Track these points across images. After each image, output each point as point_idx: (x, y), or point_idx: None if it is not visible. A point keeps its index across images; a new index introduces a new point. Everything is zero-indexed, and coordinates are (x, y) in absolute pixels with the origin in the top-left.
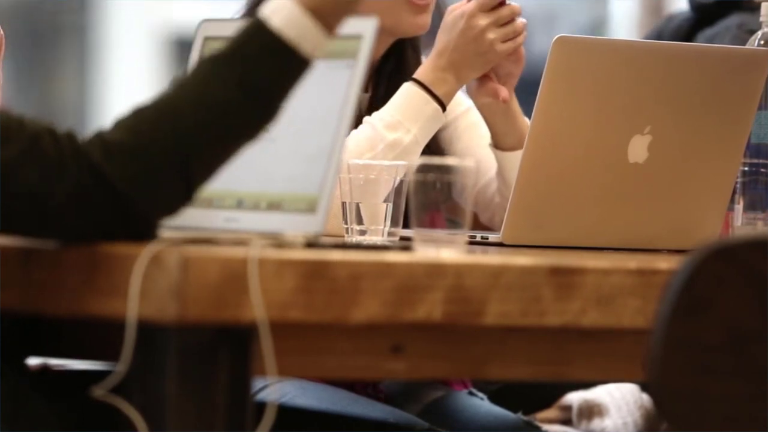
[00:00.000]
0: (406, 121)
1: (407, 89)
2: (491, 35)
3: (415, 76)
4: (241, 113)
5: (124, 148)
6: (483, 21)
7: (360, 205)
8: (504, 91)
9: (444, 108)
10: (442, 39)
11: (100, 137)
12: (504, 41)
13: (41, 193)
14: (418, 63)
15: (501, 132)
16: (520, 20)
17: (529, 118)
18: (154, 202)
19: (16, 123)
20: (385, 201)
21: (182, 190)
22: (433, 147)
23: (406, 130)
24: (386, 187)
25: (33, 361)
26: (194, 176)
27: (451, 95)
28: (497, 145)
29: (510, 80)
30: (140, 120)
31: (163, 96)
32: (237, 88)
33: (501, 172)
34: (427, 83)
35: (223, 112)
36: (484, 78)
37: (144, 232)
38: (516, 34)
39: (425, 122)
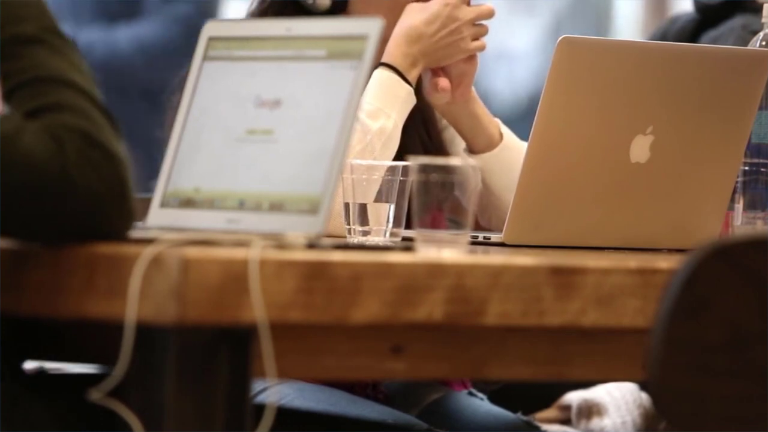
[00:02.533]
0: (385, 107)
1: (381, 75)
2: (466, 30)
3: (386, 60)
4: None
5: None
6: (465, 15)
7: (361, 205)
8: (443, 81)
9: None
10: (418, 22)
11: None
12: (473, 40)
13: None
14: None
15: (469, 135)
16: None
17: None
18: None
19: None
20: (387, 201)
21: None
22: (435, 147)
23: (387, 115)
24: (388, 188)
25: (30, 365)
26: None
27: (417, 77)
28: (470, 149)
29: (464, 80)
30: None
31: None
32: None
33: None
34: (401, 69)
35: None
36: (434, 72)
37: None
38: (484, 34)
39: (401, 105)
